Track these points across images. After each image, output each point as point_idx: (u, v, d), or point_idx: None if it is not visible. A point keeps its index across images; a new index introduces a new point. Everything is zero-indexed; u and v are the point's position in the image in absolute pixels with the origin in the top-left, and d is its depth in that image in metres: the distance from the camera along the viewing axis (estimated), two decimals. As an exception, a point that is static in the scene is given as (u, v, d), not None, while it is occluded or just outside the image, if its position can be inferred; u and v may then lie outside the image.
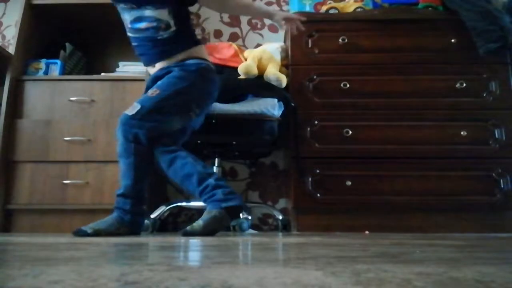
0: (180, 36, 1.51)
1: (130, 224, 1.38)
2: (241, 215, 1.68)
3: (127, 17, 1.51)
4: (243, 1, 1.61)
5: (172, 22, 1.48)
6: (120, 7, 1.52)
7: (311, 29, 1.93)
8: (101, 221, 1.37)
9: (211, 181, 1.36)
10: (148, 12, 1.47)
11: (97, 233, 1.31)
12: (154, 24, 1.47)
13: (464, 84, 1.85)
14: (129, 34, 1.55)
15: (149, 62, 1.57)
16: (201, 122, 1.61)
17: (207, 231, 1.30)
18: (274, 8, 2.52)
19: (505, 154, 1.79)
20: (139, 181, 1.40)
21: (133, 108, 1.41)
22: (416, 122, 1.83)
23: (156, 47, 1.51)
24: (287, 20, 1.62)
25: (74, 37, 2.28)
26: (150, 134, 1.40)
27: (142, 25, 1.48)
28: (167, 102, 1.43)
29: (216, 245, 0.91)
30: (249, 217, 1.73)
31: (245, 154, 2.18)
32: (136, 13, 1.48)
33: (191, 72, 1.48)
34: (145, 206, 1.45)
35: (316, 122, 1.84)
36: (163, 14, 1.47)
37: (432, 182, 1.77)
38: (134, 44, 1.56)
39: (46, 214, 1.85)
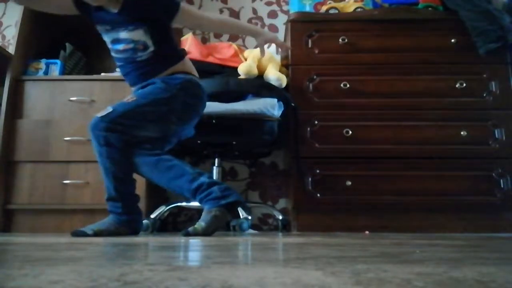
0: (161, 56, 1.44)
1: (128, 223, 1.39)
2: (241, 215, 1.68)
3: (106, 38, 1.47)
4: (220, 20, 1.57)
5: (149, 42, 1.41)
6: (98, 28, 1.47)
7: (311, 29, 1.93)
8: (99, 222, 1.37)
9: (204, 179, 1.34)
10: (123, 34, 1.41)
11: (97, 234, 1.31)
12: (131, 45, 1.41)
13: (464, 84, 1.85)
14: (112, 54, 1.50)
15: (133, 83, 1.50)
16: (191, 133, 1.58)
17: (210, 231, 1.29)
18: (274, 8, 2.53)
19: (505, 154, 1.79)
20: (121, 184, 1.37)
21: (104, 111, 1.37)
22: (416, 122, 1.83)
23: (137, 69, 1.45)
24: (272, 42, 1.59)
25: (74, 37, 2.28)
26: (122, 137, 1.35)
27: (120, 46, 1.43)
28: (142, 109, 1.38)
29: (216, 245, 0.91)
30: (249, 217, 1.73)
31: (245, 154, 2.18)
32: (112, 35, 1.43)
33: (174, 85, 1.42)
34: (138, 203, 1.44)
35: (316, 122, 1.84)
36: (139, 34, 1.39)
37: (432, 182, 1.77)
38: (118, 64, 1.51)
39: (46, 214, 1.85)
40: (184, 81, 1.45)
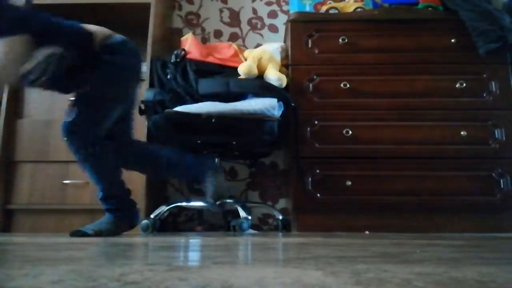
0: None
1: (125, 218, 1.41)
2: (241, 215, 1.68)
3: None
4: None
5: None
6: None
7: (311, 29, 1.93)
8: (98, 222, 1.38)
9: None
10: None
11: (98, 234, 1.31)
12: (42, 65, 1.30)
13: (464, 84, 1.85)
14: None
15: (70, 91, 1.47)
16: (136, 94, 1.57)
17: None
18: (274, 8, 2.52)
19: (505, 154, 1.79)
20: (110, 183, 1.40)
21: (71, 114, 1.35)
22: (416, 122, 1.83)
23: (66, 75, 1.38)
24: None
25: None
26: (97, 132, 1.35)
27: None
28: (101, 94, 1.38)
29: (216, 245, 0.91)
30: (249, 217, 1.73)
31: (245, 154, 2.18)
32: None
33: (109, 55, 1.38)
34: (131, 196, 1.45)
35: (316, 122, 1.84)
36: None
37: (432, 182, 1.77)
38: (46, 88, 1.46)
39: (46, 214, 1.85)
40: (113, 45, 1.41)
